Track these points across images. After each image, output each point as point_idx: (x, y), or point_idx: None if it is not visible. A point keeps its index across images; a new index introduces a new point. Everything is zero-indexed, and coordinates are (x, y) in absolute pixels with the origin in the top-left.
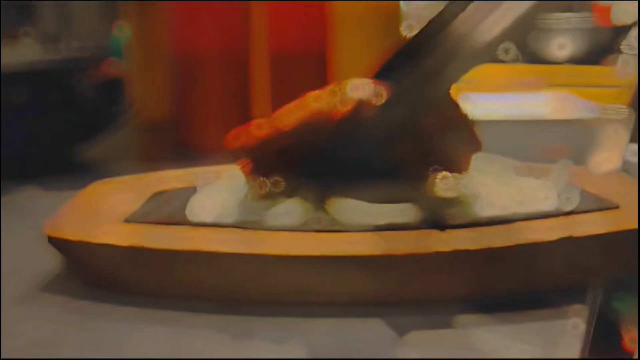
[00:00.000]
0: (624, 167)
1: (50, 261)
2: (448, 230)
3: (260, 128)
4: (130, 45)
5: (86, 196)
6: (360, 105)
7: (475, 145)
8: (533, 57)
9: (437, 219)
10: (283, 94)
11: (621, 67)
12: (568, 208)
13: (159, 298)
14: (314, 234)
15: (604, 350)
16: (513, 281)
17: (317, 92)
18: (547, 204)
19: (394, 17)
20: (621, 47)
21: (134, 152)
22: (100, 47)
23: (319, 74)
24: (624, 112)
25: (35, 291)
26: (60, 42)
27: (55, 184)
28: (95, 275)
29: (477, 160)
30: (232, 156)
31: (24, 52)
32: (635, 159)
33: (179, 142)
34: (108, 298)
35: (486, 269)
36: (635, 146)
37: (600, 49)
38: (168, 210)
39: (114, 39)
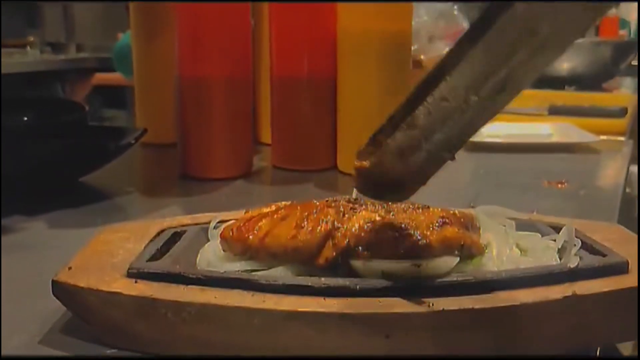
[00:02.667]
0: (627, 185)
1: (55, 313)
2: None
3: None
4: (136, 66)
5: (95, 246)
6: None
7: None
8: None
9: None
10: (286, 120)
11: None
12: (571, 264)
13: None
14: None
15: None
16: (518, 343)
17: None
18: (549, 255)
19: (404, 39)
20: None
21: (140, 182)
22: (105, 58)
23: (326, 98)
24: (622, 142)
25: (36, 345)
26: (65, 51)
27: (62, 221)
28: (102, 328)
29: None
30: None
31: (28, 60)
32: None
33: (183, 170)
34: (115, 356)
35: (492, 329)
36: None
37: (605, 69)
38: (175, 254)
39: (118, 48)
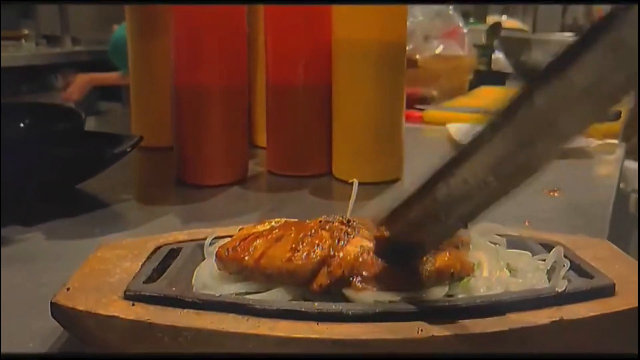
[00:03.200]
0: (622, 181)
1: (54, 331)
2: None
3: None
4: (132, 69)
5: (92, 264)
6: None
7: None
8: (527, 72)
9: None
10: (282, 126)
11: None
12: (559, 289)
13: None
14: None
15: None
16: None
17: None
18: (538, 276)
19: (398, 48)
20: None
21: (136, 189)
22: (101, 51)
23: (321, 105)
24: (615, 145)
25: None
26: (60, 44)
27: (60, 231)
28: (100, 350)
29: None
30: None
31: (23, 54)
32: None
33: (180, 177)
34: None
35: (480, 354)
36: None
37: None
38: (172, 274)
39: (114, 40)
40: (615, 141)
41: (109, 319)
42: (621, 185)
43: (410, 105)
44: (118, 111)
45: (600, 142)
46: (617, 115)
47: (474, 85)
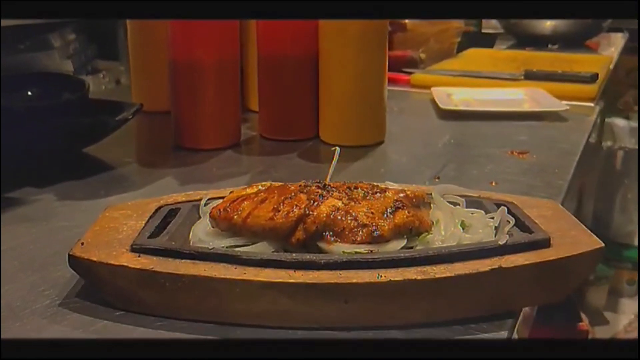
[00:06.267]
0: (608, 139)
1: (70, 280)
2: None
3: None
4: (130, 38)
5: (102, 223)
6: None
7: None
8: (517, 32)
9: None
10: (272, 94)
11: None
12: (500, 242)
13: (170, 320)
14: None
15: None
16: (453, 307)
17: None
18: (487, 232)
19: (382, 21)
20: None
21: (137, 152)
22: None
23: (309, 75)
24: (591, 108)
25: (57, 307)
26: None
27: (70, 193)
28: (112, 294)
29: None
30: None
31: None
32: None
33: (177, 142)
34: (125, 319)
35: (431, 296)
36: None
37: (587, 27)
38: (172, 231)
39: None
40: (591, 104)
41: (119, 268)
42: (608, 143)
43: (398, 68)
44: (116, 70)
45: (576, 104)
46: (594, 78)
47: (463, 47)
